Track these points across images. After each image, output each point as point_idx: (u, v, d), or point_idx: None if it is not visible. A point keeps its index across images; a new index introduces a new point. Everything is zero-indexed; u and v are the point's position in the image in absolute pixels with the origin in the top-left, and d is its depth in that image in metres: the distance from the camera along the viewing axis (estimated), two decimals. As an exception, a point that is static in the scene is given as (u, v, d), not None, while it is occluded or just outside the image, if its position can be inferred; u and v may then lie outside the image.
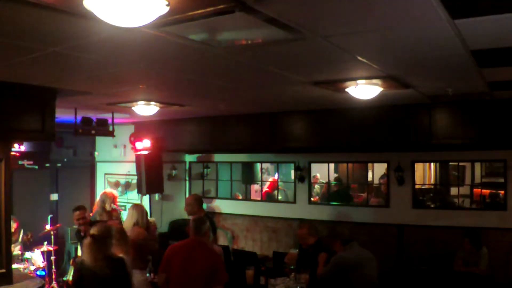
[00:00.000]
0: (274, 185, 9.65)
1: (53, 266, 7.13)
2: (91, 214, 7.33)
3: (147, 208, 9.03)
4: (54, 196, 9.14)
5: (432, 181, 8.77)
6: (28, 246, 6.91)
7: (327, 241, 5.32)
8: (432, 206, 7.85)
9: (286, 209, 8.85)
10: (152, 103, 6.13)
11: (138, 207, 5.86)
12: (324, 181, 9.07)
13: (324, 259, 5.17)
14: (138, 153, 8.33)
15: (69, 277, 5.65)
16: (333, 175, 9.03)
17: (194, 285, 4.20)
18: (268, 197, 9.57)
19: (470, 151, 7.15)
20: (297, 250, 5.49)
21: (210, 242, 4.93)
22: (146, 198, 9.12)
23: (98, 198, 7.59)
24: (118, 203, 9.15)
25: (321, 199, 9.17)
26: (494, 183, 7.57)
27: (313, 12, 2.50)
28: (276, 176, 9.76)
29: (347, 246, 5.03)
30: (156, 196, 9.06)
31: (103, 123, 7.21)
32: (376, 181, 8.77)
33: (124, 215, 9.17)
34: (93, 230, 4.18)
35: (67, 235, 8.51)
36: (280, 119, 7.45)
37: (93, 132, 7.09)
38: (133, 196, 9.30)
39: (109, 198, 7.07)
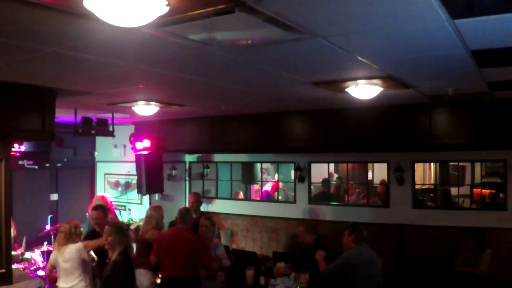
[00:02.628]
0: (276, 187, 9.65)
1: (53, 266, 7.12)
2: (87, 214, 7.35)
3: (147, 208, 9.05)
4: (54, 196, 9.13)
5: (432, 181, 8.77)
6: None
7: (344, 232, 5.20)
8: (432, 206, 7.85)
9: (286, 209, 8.85)
10: (152, 103, 6.13)
11: (157, 209, 6.09)
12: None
13: (322, 257, 5.17)
14: (138, 153, 8.33)
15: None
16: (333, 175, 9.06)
17: (177, 265, 4.95)
18: (268, 198, 9.57)
19: (470, 151, 7.15)
20: (283, 262, 5.50)
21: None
22: (146, 198, 9.12)
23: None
24: (118, 203, 9.17)
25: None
26: (494, 183, 7.57)
27: (313, 12, 2.50)
28: (276, 177, 9.76)
29: (357, 245, 4.98)
30: (156, 196, 9.05)
31: (103, 123, 7.21)
32: (376, 181, 8.77)
33: (124, 215, 9.22)
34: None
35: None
36: (280, 119, 7.45)
37: (93, 132, 7.09)
38: (133, 196, 9.30)
39: (101, 202, 7.10)
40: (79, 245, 4.98)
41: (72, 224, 5.14)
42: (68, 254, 4.91)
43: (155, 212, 5.96)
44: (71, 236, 5.00)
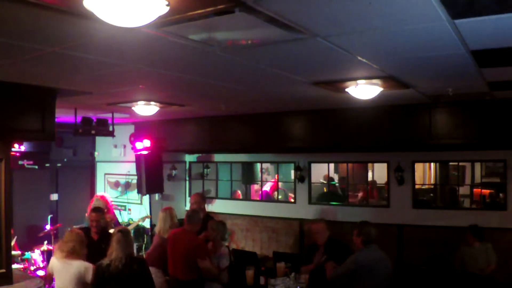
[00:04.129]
0: (275, 187, 9.65)
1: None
2: (86, 214, 7.36)
3: (147, 208, 9.06)
4: (54, 196, 9.14)
5: (432, 181, 8.77)
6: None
7: (353, 231, 5.08)
8: (432, 206, 7.85)
9: (286, 209, 8.85)
10: (152, 103, 6.13)
11: (168, 211, 6.12)
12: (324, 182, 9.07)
13: (332, 268, 5.04)
14: (138, 153, 8.33)
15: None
16: (333, 175, 9.06)
17: (177, 266, 5.15)
18: (267, 198, 9.57)
19: (470, 151, 7.15)
20: (283, 262, 5.47)
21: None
22: (146, 198, 9.13)
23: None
24: (118, 203, 9.18)
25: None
26: (494, 183, 7.58)
27: (313, 12, 2.50)
28: (276, 177, 9.77)
29: (365, 246, 4.76)
30: (156, 196, 9.06)
31: (103, 123, 7.21)
32: (377, 181, 8.79)
33: (124, 215, 9.22)
34: (118, 228, 4.68)
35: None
36: (280, 119, 7.45)
37: (93, 132, 7.09)
38: (133, 196, 9.30)
39: (101, 201, 7.11)
40: (87, 266, 4.64)
41: (80, 235, 4.82)
42: (73, 269, 4.59)
43: (168, 213, 6.04)
44: (81, 249, 4.71)
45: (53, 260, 4.81)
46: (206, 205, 9.62)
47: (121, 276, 4.39)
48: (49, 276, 4.94)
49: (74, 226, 7.81)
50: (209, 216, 6.37)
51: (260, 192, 9.76)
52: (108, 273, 4.41)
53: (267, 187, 9.87)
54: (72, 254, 4.67)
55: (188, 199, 9.87)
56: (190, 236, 5.17)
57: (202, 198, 6.96)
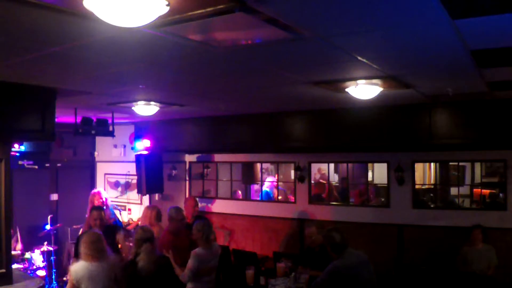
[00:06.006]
0: (276, 186, 9.67)
1: (53, 266, 7.14)
2: (86, 215, 7.34)
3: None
4: (54, 196, 9.13)
5: (432, 181, 8.77)
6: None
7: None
8: (432, 206, 7.85)
9: (286, 209, 8.85)
10: (152, 103, 6.14)
11: (150, 211, 6.60)
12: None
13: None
14: (138, 153, 8.32)
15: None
16: (333, 175, 9.06)
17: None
18: (268, 197, 9.57)
19: (470, 151, 7.16)
20: (283, 262, 5.48)
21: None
22: (146, 198, 9.13)
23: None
24: (118, 203, 9.17)
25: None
26: (494, 183, 7.57)
27: (313, 12, 2.50)
28: (276, 177, 9.77)
29: (340, 254, 4.46)
30: (156, 196, 9.06)
31: (103, 123, 7.21)
32: (376, 181, 8.79)
33: (124, 215, 9.21)
34: (147, 233, 4.65)
35: (67, 235, 8.50)
36: (280, 119, 7.45)
37: (93, 132, 7.09)
38: (133, 196, 9.30)
39: (95, 197, 7.14)
40: (117, 261, 4.46)
41: (100, 233, 4.49)
42: (109, 268, 4.29)
43: (149, 212, 6.56)
44: (106, 246, 4.44)
45: (81, 265, 4.23)
46: (206, 205, 9.73)
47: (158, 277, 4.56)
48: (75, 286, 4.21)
49: (74, 226, 7.83)
50: (198, 217, 6.61)
51: (260, 192, 9.77)
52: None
53: (266, 187, 9.87)
54: (103, 253, 4.36)
55: (188, 199, 9.88)
56: (163, 233, 5.62)
57: (193, 202, 7.40)
